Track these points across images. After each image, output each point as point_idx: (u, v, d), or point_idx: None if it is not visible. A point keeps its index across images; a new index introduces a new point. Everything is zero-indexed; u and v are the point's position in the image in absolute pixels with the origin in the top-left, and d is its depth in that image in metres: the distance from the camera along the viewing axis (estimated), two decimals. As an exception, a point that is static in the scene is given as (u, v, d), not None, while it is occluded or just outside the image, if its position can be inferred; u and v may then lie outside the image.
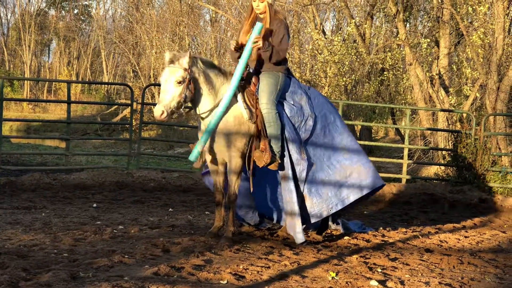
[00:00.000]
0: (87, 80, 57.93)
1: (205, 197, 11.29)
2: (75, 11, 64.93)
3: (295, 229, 7.46)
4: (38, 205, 9.70)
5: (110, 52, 57.24)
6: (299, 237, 7.41)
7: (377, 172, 8.18)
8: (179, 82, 7.02)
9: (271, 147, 7.38)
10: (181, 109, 7.18)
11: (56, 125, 40.80)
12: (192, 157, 7.29)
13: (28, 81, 57.06)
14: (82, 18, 65.12)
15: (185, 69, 7.04)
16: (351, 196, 7.80)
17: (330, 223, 8.51)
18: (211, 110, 7.31)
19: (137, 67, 44.10)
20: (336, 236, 8.40)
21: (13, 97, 49.03)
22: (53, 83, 56.44)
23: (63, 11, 64.70)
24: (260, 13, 7.44)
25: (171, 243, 7.08)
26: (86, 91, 54.50)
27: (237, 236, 7.70)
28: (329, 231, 8.60)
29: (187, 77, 7.04)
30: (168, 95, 7.00)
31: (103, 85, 54.39)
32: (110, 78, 56.56)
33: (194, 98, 7.24)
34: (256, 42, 7.13)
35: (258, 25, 7.15)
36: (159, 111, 6.95)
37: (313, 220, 7.69)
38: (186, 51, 34.74)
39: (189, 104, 7.45)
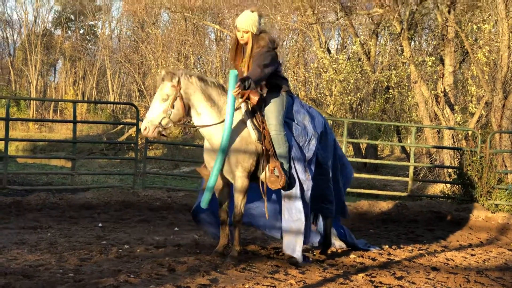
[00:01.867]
0: (93, 99, 58.08)
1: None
2: (81, 31, 65.25)
3: (295, 247, 7.44)
4: (44, 225, 9.70)
5: (116, 72, 57.47)
6: (299, 256, 7.39)
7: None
8: (164, 99, 7.13)
9: (283, 169, 7.38)
10: (171, 127, 7.28)
11: (62, 144, 40.84)
12: (204, 203, 7.30)
13: (34, 101, 57.24)
14: (88, 38, 65.41)
15: (173, 86, 7.14)
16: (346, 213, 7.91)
17: (334, 241, 8.52)
18: (216, 124, 7.30)
19: (142, 86, 44.28)
20: (342, 254, 8.38)
21: (19, 117, 49.28)
22: (59, 102, 56.64)
23: (69, 31, 65.01)
24: (245, 43, 7.44)
25: (176, 262, 7.07)
26: (92, 111, 54.63)
27: (243, 255, 7.69)
28: (333, 249, 8.59)
29: (174, 94, 7.13)
30: (153, 111, 7.15)
31: (108, 105, 54.50)
32: (116, 97, 56.73)
33: (189, 115, 7.32)
34: (236, 92, 7.04)
35: (232, 75, 7.10)
36: (143, 127, 7.14)
37: (317, 238, 7.68)
38: (191, 69, 34.86)
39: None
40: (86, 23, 64.25)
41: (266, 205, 7.56)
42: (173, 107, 7.15)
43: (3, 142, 12.78)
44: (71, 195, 12.11)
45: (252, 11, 7.39)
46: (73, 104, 14.52)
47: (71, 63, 61.45)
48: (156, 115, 7.13)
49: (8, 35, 63.07)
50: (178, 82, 7.17)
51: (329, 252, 8.37)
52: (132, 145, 19.77)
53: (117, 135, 42.52)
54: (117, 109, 53.40)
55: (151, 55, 43.11)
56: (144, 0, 44.51)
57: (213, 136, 7.33)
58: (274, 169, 7.36)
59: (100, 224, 10.09)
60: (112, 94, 57.23)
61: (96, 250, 7.68)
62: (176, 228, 10.09)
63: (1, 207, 11.01)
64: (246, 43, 7.41)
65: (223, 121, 7.23)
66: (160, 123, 7.13)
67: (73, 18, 64.91)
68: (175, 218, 11.11)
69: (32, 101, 55.73)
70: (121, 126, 40.60)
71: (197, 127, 7.45)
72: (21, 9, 63.15)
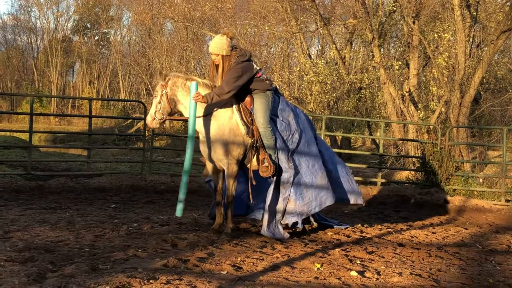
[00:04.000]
0: (106, 97, 57.88)
1: (208, 198, 11.25)
2: (96, 38, 64.95)
3: (276, 225, 7.56)
4: (63, 206, 9.65)
5: (126, 73, 57.24)
6: (266, 233, 7.45)
7: (353, 186, 8.26)
8: (155, 96, 7.46)
9: (272, 159, 7.47)
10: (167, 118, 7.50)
11: (79, 136, 40.70)
12: (178, 213, 7.20)
13: (55, 98, 56.95)
14: (102, 43, 65.13)
15: (161, 85, 7.43)
16: (328, 201, 7.80)
17: (311, 219, 8.54)
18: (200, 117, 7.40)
19: (149, 86, 44.12)
20: (320, 232, 8.36)
21: (42, 112, 48.94)
22: (77, 99, 56.42)
23: (85, 38, 64.70)
24: (217, 63, 7.47)
25: (178, 238, 7.05)
26: (105, 107, 54.37)
27: (236, 232, 7.68)
28: (313, 226, 8.57)
29: (160, 92, 7.41)
30: (152, 107, 7.49)
31: (119, 102, 54.31)
32: (126, 95, 56.54)
33: (177, 108, 7.50)
34: (197, 97, 7.12)
35: (193, 84, 7.21)
36: (147, 120, 7.50)
37: (294, 219, 7.67)
38: (192, 71, 34.71)
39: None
40: (101, 31, 63.92)
41: (250, 190, 7.62)
42: (160, 102, 7.42)
43: (28, 133, 12.68)
44: (87, 179, 12.07)
45: (223, 35, 7.45)
46: (88, 101, 14.40)
47: (87, 65, 61.15)
48: (152, 110, 7.45)
49: (32, 41, 62.71)
50: (166, 81, 7.39)
51: (308, 229, 8.37)
52: (140, 136, 19.69)
53: (127, 127, 42.39)
54: (127, 105, 53.17)
55: (157, 59, 42.95)
56: (151, 11, 44.31)
57: (201, 128, 7.45)
58: (263, 160, 7.44)
59: (112, 205, 10.06)
60: (123, 92, 57.02)
61: (109, 228, 7.65)
62: (178, 209, 10.05)
63: (26, 190, 10.97)
64: (217, 63, 7.50)
65: (207, 114, 7.39)
66: (155, 116, 7.42)
67: (89, 26, 64.57)
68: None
69: (53, 98, 55.45)
70: (131, 120, 40.45)
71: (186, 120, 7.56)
72: (44, 18, 62.15)
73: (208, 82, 7.53)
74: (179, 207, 7.14)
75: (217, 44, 7.39)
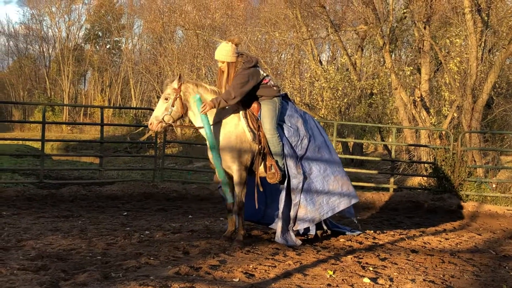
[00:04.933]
0: (117, 105, 58.11)
1: (220, 205, 11.25)
2: (108, 46, 65.28)
3: (287, 231, 7.56)
4: (75, 214, 9.68)
5: (138, 81, 57.47)
6: (279, 240, 7.46)
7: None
8: (166, 99, 7.34)
9: (278, 166, 7.48)
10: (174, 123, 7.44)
11: (91, 144, 40.86)
12: (227, 198, 7.54)
13: (67, 106, 57.28)
14: (114, 51, 65.45)
15: (174, 89, 7.33)
16: (341, 205, 7.80)
17: (324, 226, 8.50)
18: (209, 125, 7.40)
19: (160, 94, 44.22)
20: (333, 239, 8.33)
21: (54, 120, 49.28)
22: (88, 108, 56.68)
23: (97, 46, 65.06)
24: (223, 69, 7.52)
25: (190, 246, 7.04)
26: (117, 115, 54.65)
27: (248, 239, 7.67)
28: (328, 233, 8.54)
29: (174, 95, 7.31)
30: (157, 109, 7.36)
31: (131, 109, 54.54)
32: (138, 103, 56.75)
33: (187, 115, 7.47)
34: (204, 108, 7.18)
35: (197, 98, 7.25)
36: (149, 122, 7.33)
37: (305, 225, 7.66)
38: (203, 79, 34.77)
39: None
40: (112, 39, 64.31)
41: (256, 196, 7.61)
42: (173, 105, 7.31)
43: (40, 142, 12.75)
44: (99, 187, 12.09)
45: (228, 42, 7.49)
46: (100, 109, 14.48)
47: (99, 73, 61.48)
48: (159, 112, 7.32)
49: (44, 50, 63.16)
50: (179, 85, 7.32)
51: (321, 235, 8.34)
52: (152, 144, 19.75)
53: (139, 135, 42.58)
54: (139, 113, 53.40)
55: (168, 67, 43.10)
56: (162, 20, 44.52)
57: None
58: (271, 166, 7.46)
59: (124, 213, 10.08)
60: (135, 100, 57.23)
61: (121, 235, 7.66)
62: (190, 216, 10.06)
63: (38, 198, 11.01)
64: (223, 70, 7.54)
65: (215, 123, 7.44)
66: (163, 119, 7.31)
67: (100, 35, 64.93)
68: (189, 207, 11.09)
69: (65, 107, 55.81)
70: (142, 128, 40.61)
71: (195, 128, 7.62)
72: (55, 27, 62.56)
73: (216, 88, 7.55)
74: (225, 190, 7.44)
75: (223, 51, 7.43)
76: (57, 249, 6.69)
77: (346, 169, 8.51)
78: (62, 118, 55.03)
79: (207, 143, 7.44)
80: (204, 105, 7.18)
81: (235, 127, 7.47)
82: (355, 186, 8.10)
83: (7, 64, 65.69)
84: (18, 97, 59.35)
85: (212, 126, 7.41)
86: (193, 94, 7.38)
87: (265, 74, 7.58)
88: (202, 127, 7.39)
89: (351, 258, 6.94)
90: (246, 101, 7.50)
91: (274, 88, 7.58)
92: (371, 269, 6.44)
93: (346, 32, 28.54)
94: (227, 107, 7.43)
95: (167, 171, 17.91)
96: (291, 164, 7.52)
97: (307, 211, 7.55)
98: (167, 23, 44.38)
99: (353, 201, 8.01)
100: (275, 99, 7.55)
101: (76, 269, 5.72)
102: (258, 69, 7.49)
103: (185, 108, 7.38)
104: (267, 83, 7.53)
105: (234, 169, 7.45)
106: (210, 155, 7.58)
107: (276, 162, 7.50)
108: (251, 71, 7.38)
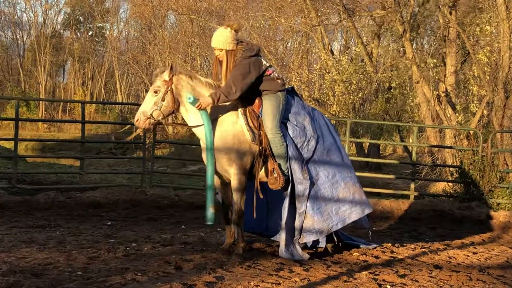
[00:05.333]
0: (101, 100, 58.20)
1: (216, 213, 11.25)
2: (90, 33, 65.35)
3: (281, 244, 7.54)
4: (52, 224, 9.69)
5: (124, 72, 57.58)
6: (284, 254, 7.45)
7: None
8: (155, 92, 7.29)
9: (281, 170, 7.44)
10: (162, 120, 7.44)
11: (70, 144, 40.85)
12: (210, 219, 7.42)
13: (43, 101, 57.31)
14: (97, 39, 65.52)
15: (164, 81, 7.28)
16: (353, 215, 7.79)
17: (335, 238, 8.49)
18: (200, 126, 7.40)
19: (149, 87, 44.28)
20: (345, 252, 8.33)
21: (29, 117, 49.27)
22: (68, 103, 56.76)
23: (78, 33, 65.13)
24: (221, 58, 7.47)
25: (183, 260, 7.05)
26: (100, 111, 54.71)
27: (248, 253, 7.66)
28: (337, 246, 8.53)
29: (165, 88, 7.26)
30: (145, 103, 7.31)
31: (116, 105, 54.59)
32: (124, 97, 56.80)
33: (178, 111, 7.46)
34: (199, 107, 7.19)
35: (190, 99, 7.23)
36: (135, 118, 7.30)
37: (312, 238, 7.65)
38: (198, 71, 34.81)
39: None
40: (95, 25, 64.34)
41: (254, 204, 7.58)
42: (163, 100, 7.27)
43: (13, 142, 12.77)
44: (79, 194, 12.11)
45: (226, 27, 7.44)
46: (81, 105, 14.51)
47: (79, 64, 61.55)
48: (148, 107, 7.27)
49: (18, 37, 63.21)
50: (171, 77, 7.28)
51: (331, 250, 8.32)
52: (140, 144, 19.81)
53: (125, 134, 42.57)
54: (125, 109, 53.44)
55: (159, 57, 43.18)
56: (151, 3, 44.56)
57: (203, 134, 7.41)
58: (273, 170, 7.43)
59: (108, 223, 10.10)
60: (120, 94, 57.31)
61: (104, 248, 7.67)
62: (183, 226, 10.08)
63: (10, 205, 11.02)
64: (221, 58, 7.49)
65: (211, 120, 7.38)
66: (151, 115, 7.25)
67: (82, 20, 65.04)
68: (182, 216, 11.11)
69: (41, 102, 55.80)
70: (129, 126, 40.66)
71: (189, 127, 7.65)
72: (31, 11, 62.65)
73: (212, 81, 7.52)
74: (209, 211, 7.36)
75: (220, 38, 7.38)
76: (31, 263, 6.69)
77: (360, 174, 8.55)
78: (38, 115, 54.99)
79: (204, 143, 7.40)
80: (199, 104, 7.16)
81: (232, 126, 7.44)
82: (370, 193, 8.16)
83: (-25, 53, 65.85)
84: (-12, 91, 59.46)
85: None
86: (187, 87, 7.36)
87: (268, 65, 7.54)
88: (196, 126, 7.38)
89: (366, 275, 6.94)
90: (247, 96, 7.49)
91: (278, 81, 7.55)
92: (389, 287, 6.44)
93: (361, 18, 28.50)
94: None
95: (157, 175, 17.92)
96: (296, 168, 7.48)
97: (314, 221, 7.53)
98: (158, 7, 44.42)
99: (366, 211, 7.99)
100: (279, 93, 7.51)
101: (53, 286, 5.72)
102: (260, 59, 7.45)
103: (176, 103, 7.33)
104: (270, 74, 7.50)
105: (232, 173, 7.42)
106: (204, 155, 7.56)
107: (279, 165, 7.45)
108: (253, 60, 7.34)
